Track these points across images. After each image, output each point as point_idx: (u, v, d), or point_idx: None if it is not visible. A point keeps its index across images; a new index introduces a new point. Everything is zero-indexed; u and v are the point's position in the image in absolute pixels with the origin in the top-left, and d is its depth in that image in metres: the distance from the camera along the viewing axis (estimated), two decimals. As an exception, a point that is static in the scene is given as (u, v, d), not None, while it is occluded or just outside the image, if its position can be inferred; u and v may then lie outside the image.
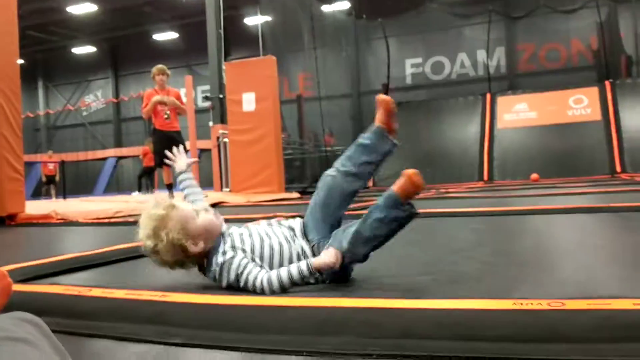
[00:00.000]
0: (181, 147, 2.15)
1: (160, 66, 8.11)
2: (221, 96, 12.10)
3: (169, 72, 8.10)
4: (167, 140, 7.80)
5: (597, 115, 12.83)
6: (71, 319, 1.46)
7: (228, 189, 10.86)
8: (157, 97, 7.94)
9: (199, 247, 1.67)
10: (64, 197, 16.33)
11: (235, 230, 1.78)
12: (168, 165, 8.12)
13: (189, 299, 1.44)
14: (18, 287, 1.58)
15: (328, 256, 1.62)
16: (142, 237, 1.68)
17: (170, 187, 8.31)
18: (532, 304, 1.13)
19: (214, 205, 7.62)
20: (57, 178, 18.33)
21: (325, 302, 1.29)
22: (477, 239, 2.94)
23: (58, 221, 5.61)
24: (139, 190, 14.86)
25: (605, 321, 1.03)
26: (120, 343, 1.34)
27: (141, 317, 1.39)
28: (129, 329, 1.37)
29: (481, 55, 17.47)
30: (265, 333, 1.22)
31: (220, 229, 1.74)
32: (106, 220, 5.50)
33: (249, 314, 1.30)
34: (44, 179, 18.43)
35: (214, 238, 1.71)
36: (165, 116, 7.77)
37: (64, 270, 2.30)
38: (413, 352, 1.08)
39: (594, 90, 13.23)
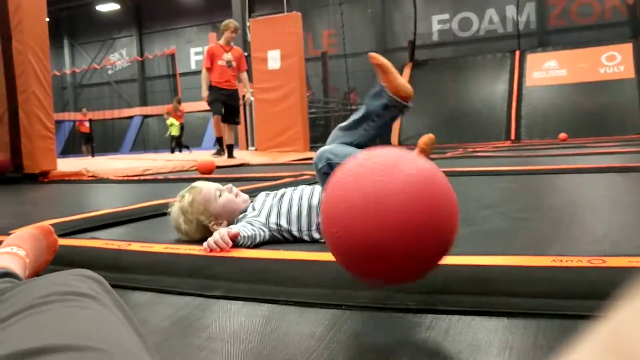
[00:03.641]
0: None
1: (235, 23, 8.18)
2: (246, 54, 12.02)
3: (239, 31, 8.24)
4: (225, 97, 7.85)
5: (631, 73, 12.47)
6: (112, 272, 1.50)
7: (254, 148, 10.90)
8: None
9: (223, 225, 1.81)
10: (92, 155, 16.60)
11: (260, 195, 1.92)
12: (231, 123, 8.17)
13: (228, 253, 1.47)
14: (59, 242, 1.63)
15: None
16: (175, 221, 1.88)
17: (230, 146, 8.25)
18: (571, 260, 1.12)
19: (239, 166, 7.67)
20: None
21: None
22: (508, 196, 2.93)
23: (89, 178, 5.72)
24: (180, 150, 15.20)
25: (648, 278, 1.03)
26: (161, 296, 1.38)
27: (181, 271, 1.43)
28: (170, 282, 1.40)
29: (510, 11, 17.00)
30: (303, 286, 1.24)
31: (240, 207, 1.89)
32: (135, 178, 5.59)
33: (288, 267, 1.32)
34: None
35: (235, 215, 1.87)
36: (228, 64, 7.78)
37: (100, 225, 2.36)
38: (451, 306, 1.09)
39: (628, 47, 12.82)
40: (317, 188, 1.87)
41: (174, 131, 15.77)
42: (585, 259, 1.14)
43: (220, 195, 1.87)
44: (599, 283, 1.05)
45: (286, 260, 1.36)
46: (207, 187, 1.88)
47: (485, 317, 1.06)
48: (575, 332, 0.98)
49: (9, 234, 1.60)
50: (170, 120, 15.81)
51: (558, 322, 1.01)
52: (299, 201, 1.82)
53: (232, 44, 8.13)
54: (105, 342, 0.59)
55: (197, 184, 1.91)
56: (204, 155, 8.49)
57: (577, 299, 1.03)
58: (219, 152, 8.13)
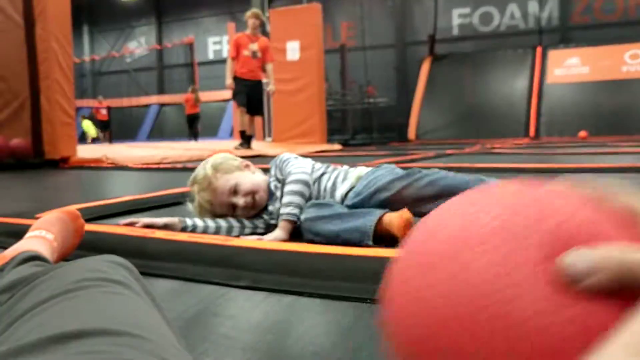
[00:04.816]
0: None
1: (255, 10, 8.11)
2: (265, 45, 12.02)
3: (263, 17, 8.10)
4: (247, 88, 7.82)
5: (654, 72, 12.31)
6: (137, 259, 1.51)
7: (270, 139, 10.93)
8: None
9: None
10: (110, 142, 16.75)
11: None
12: (254, 114, 8.16)
13: (252, 244, 1.47)
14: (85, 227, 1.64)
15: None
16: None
17: (249, 137, 8.24)
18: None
19: (256, 157, 7.69)
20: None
21: (389, 252, 1.30)
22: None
23: (108, 165, 5.77)
24: (196, 139, 15.33)
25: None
26: (186, 284, 1.39)
27: (206, 260, 1.43)
28: (195, 270, 1.41)
29: (532, 6, 16.80)
30: (329, 279, 1.25)
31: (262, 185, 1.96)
32: (154, 166, 5.63)
33: (314, 259, 1.32)
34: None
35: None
36: (252, 55, 7.73)
37: (122, 212, 2.38)
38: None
39: (652, 45, 12.65)
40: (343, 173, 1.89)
41: (93, 133, 16.23)
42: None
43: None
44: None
45: (312, 253, 1.36)
46: (221, 183, 1.91)
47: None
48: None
49: (35, 218, 1.62)
50: (86, 122, 16.22)
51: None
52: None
53: (258, 32, 8.03)
54: (140, 327, 0.59)
55: (205, 182, 1.92)
56: (221, 145, 8.52)
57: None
58: (242, 146, 8.01)
